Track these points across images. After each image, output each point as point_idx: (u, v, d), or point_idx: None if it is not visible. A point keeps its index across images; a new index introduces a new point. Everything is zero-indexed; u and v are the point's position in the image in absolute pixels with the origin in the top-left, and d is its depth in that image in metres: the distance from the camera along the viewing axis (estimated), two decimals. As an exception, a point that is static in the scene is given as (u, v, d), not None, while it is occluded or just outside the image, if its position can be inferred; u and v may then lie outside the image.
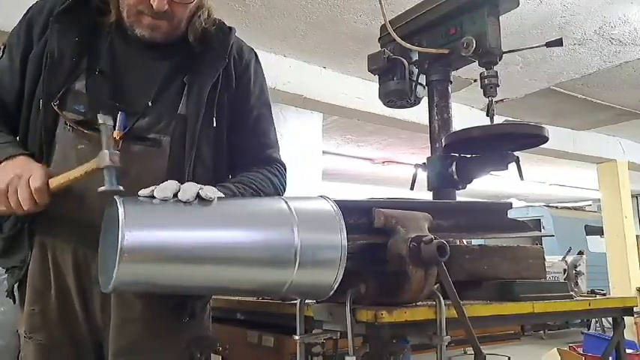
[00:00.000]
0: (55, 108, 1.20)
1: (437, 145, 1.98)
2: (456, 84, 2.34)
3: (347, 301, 1.17)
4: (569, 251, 2.27)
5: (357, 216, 1.25)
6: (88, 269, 1.21)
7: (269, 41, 3.98)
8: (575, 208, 11.21)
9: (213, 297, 1.47)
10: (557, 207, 10.46)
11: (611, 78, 4.78)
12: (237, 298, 1.86)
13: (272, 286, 1.07)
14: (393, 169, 8.32)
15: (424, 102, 2.09)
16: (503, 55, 1.82)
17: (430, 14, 1.98)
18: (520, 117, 5.49)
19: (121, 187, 1.04)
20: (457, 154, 1.88)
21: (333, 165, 7.78)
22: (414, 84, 2.04)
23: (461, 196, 1.95)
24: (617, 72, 4.64)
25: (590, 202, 12.50)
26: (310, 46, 4.10)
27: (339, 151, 7.38)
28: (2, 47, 1.32)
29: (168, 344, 1.26)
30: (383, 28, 2.11)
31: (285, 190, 1.38)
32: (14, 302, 1.29)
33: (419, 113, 2.60)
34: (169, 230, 0.98)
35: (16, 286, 1.27)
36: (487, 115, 1.83)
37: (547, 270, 1.80)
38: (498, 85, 1.81)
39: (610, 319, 2.09)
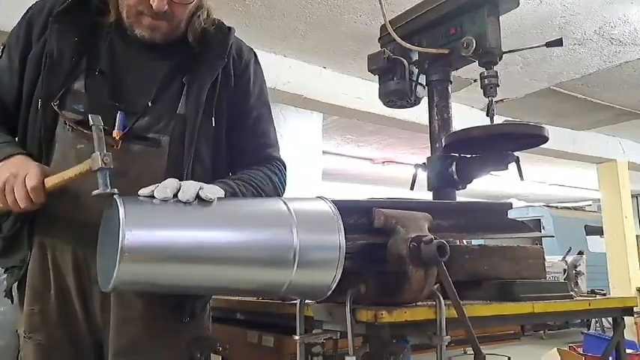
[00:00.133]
0: (55, 108, 1.20)
1: (437, 145, 1.98)
2: (456, 84, 2.34)
3: (347, 301, 1.17)
4: (569, 251, 2.27)
5: (357, 216, 1.25)
6: (88, 269, 1.21)
7: (269, 41, 3.98)
8: (575, 208, 11.21)
9: (213, 297, 1.47)
10: (557, 207, 10.46)
11: (611, 78, 4.78)
12: (237, 298, 1.86)
13: (271, 286, 1.08)
14: (393, 169, 8.32)
15: (424, 102, 2.09)
16: (503, 55, 1.82)
17: (430, 14, 1.98)
18: (520, 117, 5.49)
19: (115, 190, 1.03)
20: (457, 154, 1.88)
21: (333, 165, 7.78)
22: (414, 84, 2.04)
23: (461, 196, 1.95)
24: (617, 72, 4.64)
25: (590, 202, 12.51)
26: (310, 46, 4.10)
27: (339, 151, 7.38)
28: (2, 47, 1.32)
29: (168, 344, 1.26)
30: (383, 28, 2.11)
31: (284, 188, 1.38)
32: (12, 302, 1.29)
33: (419, 113, 2.60)
34: (169, 230, 0.98)
35: (15, 286, 1.27)
36: (487, 115, 1.83)
37: (547, 270, 1.80)
38: (498, 85, 1.81)
39: (610, 319, 2.09)
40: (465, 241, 2.07)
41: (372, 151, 7.53)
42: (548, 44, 1.90)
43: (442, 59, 1.96)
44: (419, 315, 1.25)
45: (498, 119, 1.84)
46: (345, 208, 1.14)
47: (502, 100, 5.17)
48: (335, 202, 1.13)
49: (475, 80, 3.95)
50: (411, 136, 6.15)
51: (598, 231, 8.27)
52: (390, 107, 2.18)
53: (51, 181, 1.13)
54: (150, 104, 1.24)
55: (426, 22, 1.99)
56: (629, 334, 5.18)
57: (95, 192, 1.04)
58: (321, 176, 4.94)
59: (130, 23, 1.25)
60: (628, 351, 2.78)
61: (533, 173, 9.07)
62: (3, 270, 1.30)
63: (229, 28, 1.38)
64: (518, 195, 11.74)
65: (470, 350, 1.19)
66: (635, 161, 7.02)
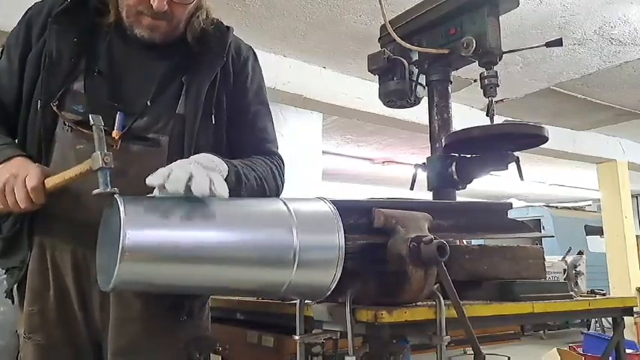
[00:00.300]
0: (54, 108, 1.20)
1: (437, 145, 1.98)
2: (456, 84, 2.34)
3: (347, 301, 1.17)
4: (569, 251, 2.27)
5: (357, 216, 1.25)
6: (87, 269, 1.21)
7: (269, 41, 3.98)
8: (575, 208, 11.21)
9: (213, 297, 1.47)
10: (557, 207, 10.46)
11: (611, 78, 4.78)
12: (237, 298, 1.86)
13: (271, 286, 1.08)
14: (393, 169, 8.32)
15: (424, 102, 2.09)
16: (503, 55, 1.82)
17: (430, 14, 1.98)
18: (520, 117, 5.49)
19: (116, 189, 1.03)
20: (457, 154, 1.88)
21: (333, 165, 7.78)
22: (414, 84, 2.04)
23: (461, 196, 1.95)
24: (617, 72, 4.64)
25: (590, 202, 12.51)
26: (310, 46, 4.10)
27: (339, 151, 7.38)
28: (1, 48, 1.32)
29: (166, 344, 1.25)
30: (383, 28, 2.11)
31: (283, 184, 1.37)
32: (13, 303, 1.29)
33: (419, 113, 2.60)
34: (170, 230, 0.98)
35: (15, 286, 1.27)
36: (487, 115, 1.83)
37: (547, 270, 1.80)
38: (498, 85, 1.81)
39: (610, 319, 2.09)
40: (465, 241, 2.07)
41: (372, 151, 7.53)
42: (548, 44, 1.90)
43: (442, 59, 1.96)
44: (419, 315, 1.25)
45: (498, 119, 1.85)
46: (344, 208, 1.14)
47: (502, 100, 5.18)
48: (335, 202, 1.13)
49: (475, 80, 3.95)
50: (411, 136, 6.15)
51: (598, 231, 8.27)
52: (390, 107, 2.18)
53: (51, 182, 1.13)
54: (149, 104, 1.24)
55: (426, 22, 2.00)
56: (629, 334, 5.19)
57: (96, 191, 1.04)
58: (321, 176, 4.95)
59: (130, 23, 1.25)
60: (628, 351, 2.78)
61: (533, 173, 9.07)
62: (4, 270, 1.30)
63: (228, 27, 1.38)
64: (518, 195, 11.74)
65: (470, 350, 1.19)
66: (635, 161, 7.02)
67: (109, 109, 1.18)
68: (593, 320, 7.75)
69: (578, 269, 2.15)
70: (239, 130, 1.36)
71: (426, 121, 2.05)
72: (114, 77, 1.26)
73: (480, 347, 1.15)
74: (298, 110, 4.62)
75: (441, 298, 1.22)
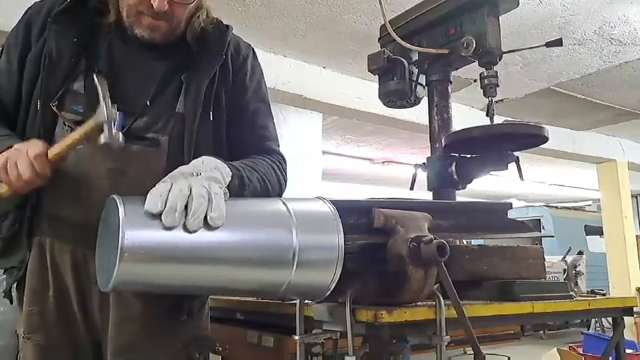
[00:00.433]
0: (54, 108, 1.20)
1: (437, 145, 1.98)
2: (456, 84, 2.34)
3: (347, 301, 1.17)
4: (569, 251, 2.27)
5: (357, 216, 1.25)
6: (87, 269, 1.21)
7: (269, 41, 3.98)
8: (575, 208, 11.21)
9: (212, 297, 1.47)
10: (557, 207, 10.47)
11: (611, 78, 4.78)
12: (236, 298, 1.86)
13: (270, 286, 1.08)
14: (392, 169, 8.32)
15: (424, 102, 2.09)
16: (503, 55, 1.82)
17: (430, 14, 1.98)
18: (520, 117, 5.49)
19: (121, 138, 1.01)
20: (457, 154, 1.88)
21: (333, 165, 7.78)
22: (414, 84, 2.04)
23: (461, 196, 1.95)
24: (617, 72, 4.64)
25: (590, 202, 12.51)
26: (310, 46, 4.10)
27: (339, 151, 7.39)
28: (0, 48, 1.32)
29: (166, 343, 1.25)
30: (383, 28, 2.11)
31: (286, 183, 1.36)
32: (11, 303, 1.28)
33: (419, 113, 2.60)
34: (169, 230, 0.98)
35: (14, 286, 1.27)
36: (487, 115, 1.83)
37: (547, 270, 1.80)
38: (498, 85, 1.81)
39: (610, 319, 2.09)
40: (464, 241, 2.07)
41: (372, 151, 7.53)
42: (548, 44, 1.90)
43: (442, 59, 1.96)
44: (419, 315, 1.25)
45: (498, 119, 1.84)
46: (344, 208, 1.13)
47: (502, 100, 5.18)
48: (335, 202, 1.13)
49: (475, 80, 3.95)
50: (411, 136, 6.15)
51: (598, 231, 8.27)
52: (390, 107, 2.18)
53: (54, 150, 1.11)
54: (148, 104, 1.24)
55: (426, 22, 2.00)
56: (628, 334, 5.19)
57: (102, 140, 1.03)
58: (321, 176, 4.95)
59: (130, 23, 1.25)
60: (628, 351, 2.78)
61: (533, 173, 9.07)
62: (2, 270, 1.30)
63: (227, 26, 1.38)
64: (518, 195, 11.75)
65: (470, 350, 1.19)
66: (635, 161, 7.02)
67: None
68: (593, 320, 7.75)
69: (578, 269, 2.15)
70: (238, 128, 1.35)
71: (426, 121, 2.05)
72: (114, 77, 1.25)
73: (480, 347, 1.15)
74: (298, 110, 4.62)
75: (441, 298, 1.22)
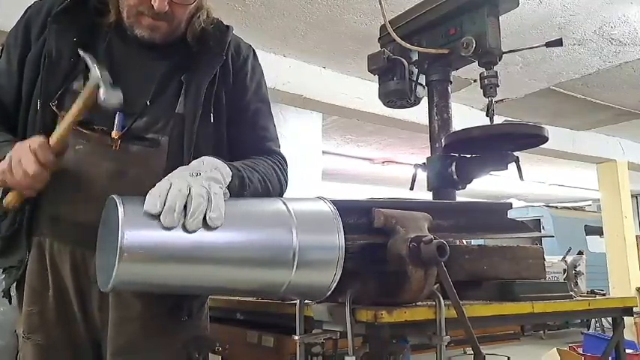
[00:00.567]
0: (54, 108, 1.20)
1: (437, 145, 1.98)
2: (456, 84, 2.34)
3: (347, 301, 1.17)
4: (568, 251, 2.27)
5: (357, 216, 1.25)
6: (86, 269, 1.21)
7: (269, 41, 3.98)
8: (574, 208, 11.22)
9: (212, 297, 1.47)
10: (557, 207, 10.47)
11: (610, 78, 4.78)
12: (236, 298, 1.86)
13: (271, 286, 1.07)
14: (392, 169, 8.32)
15: (424, 102, 2.09)
16: (503, 55, 1.82)
17: (430, 14, 1.98)
18: (520, 117, 5.49)
19: (120, 93, 1.04)
20: (457, 154, 1.88)
21: (333, 165, 7.78)
22: (413, 84, 2.04)
23: (461, 196, 1.95)
24: (617, 72, 4.64)
25: (590, 202, 12.51)
26: (310, 46, 4.10)
27: (339, 151, 7.39)
28: (0, 48, 1.32)
29: (165, 343, 1.25)
30: (383, 28, 2.11)
31: (287, 183, 1.36)
32: (10, 303, 1.28)
33: (419, 113, 2.60)
34: (168, 230, 0.98)
35: (13, 286, 1.27)
36: (487, 115, 1.83)
37: (547, 270, 1.80)
38: (498, 85, 1.81)
39: (610, 319, 2.09)
40: (464, 241, 2.07)
41: (372, 151, 7.53)
42: (548, 44, 1.90)
43: (442, 59, 1.96)
44: (419, 315, 1.25)
45: (498, 119, 1.84)
46: (344, 208, 1.13)
47: (502, 100, 5.18)
48: (335, 202, 1.13)
49: (475, 80, 3.96)
50: (411, 136, 6.16)
51: (598, 231, 8.28)
52: (390, 107, 2.18)
53: (55, 135, 1.11)
54: (148, 104, 1.24)
55: (425, 22, 2.00)
56: (628, 334, 5.19)
57: (102, 96, 1.06)
58: (321, 176, 4.95)
59: (130, 23, 1.24)
60: (628, 351, 2.78)
61: (533, 173, 9.08)
62: (1, 270, 1.30)
63: (227, 26, 1.38)
64: (518, 195, 11.75)
65: (470, 350, 1.19)
66: (635, 161, 7.03)
67: (108, 110, 1.18)
68: (593, 320, 7.76)
69: (578, 269, 2.15)
70: (239, 128, 1.35)
71: (426, 121, 2.05)
72: (113, 77, 1.25)
73: (480, 347, 1.15)
74: (298, 110, 4.62)
75: (441, 298, 1.22)
